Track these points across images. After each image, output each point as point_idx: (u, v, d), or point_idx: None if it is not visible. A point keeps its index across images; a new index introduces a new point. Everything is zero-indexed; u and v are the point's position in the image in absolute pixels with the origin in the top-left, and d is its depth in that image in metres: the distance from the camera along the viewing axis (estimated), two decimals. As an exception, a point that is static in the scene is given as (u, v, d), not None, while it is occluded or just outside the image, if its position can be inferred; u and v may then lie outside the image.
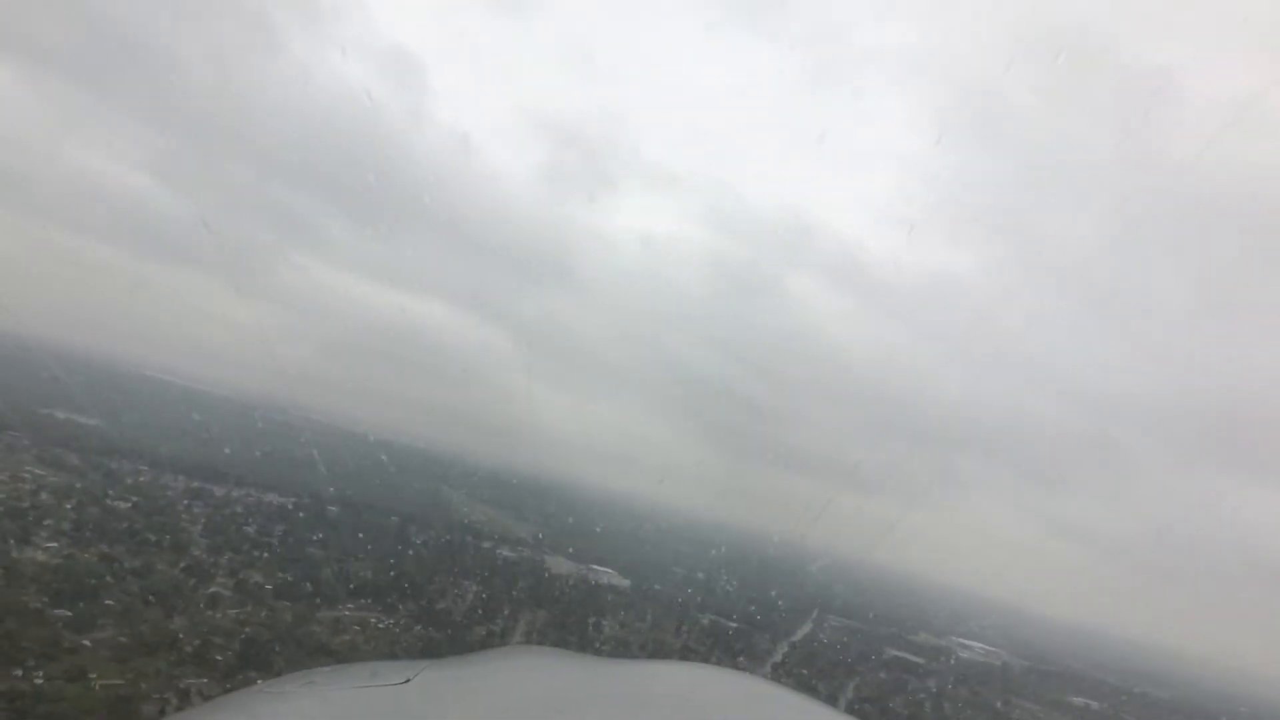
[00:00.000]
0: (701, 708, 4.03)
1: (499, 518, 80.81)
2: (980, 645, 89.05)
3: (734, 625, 65.51)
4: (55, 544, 38.96)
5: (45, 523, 41.41)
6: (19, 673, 26.68)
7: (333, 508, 63.32)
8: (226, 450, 73.32)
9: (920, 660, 74.17)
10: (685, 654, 53.01)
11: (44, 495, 45.70)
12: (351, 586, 47.15)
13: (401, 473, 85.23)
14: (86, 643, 30.39)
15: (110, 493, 49.97)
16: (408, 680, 3.58)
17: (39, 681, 26.56)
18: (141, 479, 56.11)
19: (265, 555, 48.24)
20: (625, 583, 69.99)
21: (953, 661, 78.33)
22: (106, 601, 34.19)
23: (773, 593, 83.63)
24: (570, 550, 75.30)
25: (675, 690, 4.28)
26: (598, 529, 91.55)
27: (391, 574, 52.42)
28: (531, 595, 57.54)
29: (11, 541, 37.43)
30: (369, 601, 46.16)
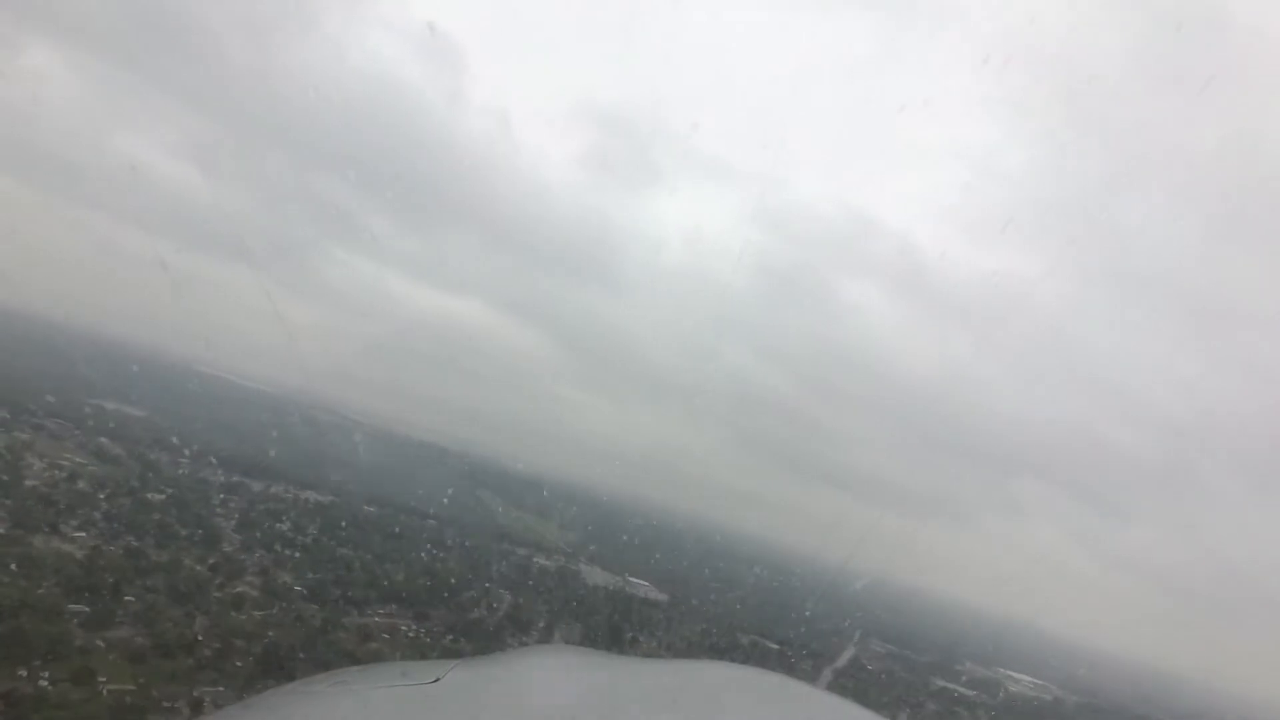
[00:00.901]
0: (730, 707, 3.89)
1: (536, 524, 78.32)
2: (1029, 678, 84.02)
3: (775, 647, 61.90)
4: (83, 534, 37.23)
5: (77, 512, 39.77)
6: (24, 673, 24.56)
7: (369, 508, 61.39)
8: (268, 446, 72.03)
9: (970, 693, 69.84)
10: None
11: (80, 484, 44.22)
12: (383, 591, 44.84)
13: (440, 474, 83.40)
14: (100, 642, 28.29)
15: (147, 484, 48.48)
16: (438, 679, 3.50)
17: (43, 683, 24.41)
18: (181, 471, 54.68)
19: (297, 554, 46.21)
20: (662, 597, 66.96)
21: (1002, 695, 73.89)
22: (127, 598, 32.14)
23: (812, 613, 79.80)
24: (607, 560, 72.55)
25: (703, 689, 4.15)
26: (634, 539, 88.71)
27: (425, 579, 50.12)
28: (566, 606, 54.81)
29: (38, 530, 35.73)
30: (399, 607, 43.76)
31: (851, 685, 57.31)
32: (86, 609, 29.92)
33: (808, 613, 78.36)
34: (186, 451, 58.77)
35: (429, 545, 57.89)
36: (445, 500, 71.46)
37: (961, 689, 70.12)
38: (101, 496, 43.10)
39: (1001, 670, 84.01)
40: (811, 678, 57.52)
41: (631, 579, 67.81)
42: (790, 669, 57.24)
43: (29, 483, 41.25)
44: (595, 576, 64.59)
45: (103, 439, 55.21)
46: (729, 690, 4.19)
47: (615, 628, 52.99)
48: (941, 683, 70.26)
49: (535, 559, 63.90)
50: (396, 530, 58.23)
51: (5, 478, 40.65)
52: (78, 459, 48.73)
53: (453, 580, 51.86)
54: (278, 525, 49.99)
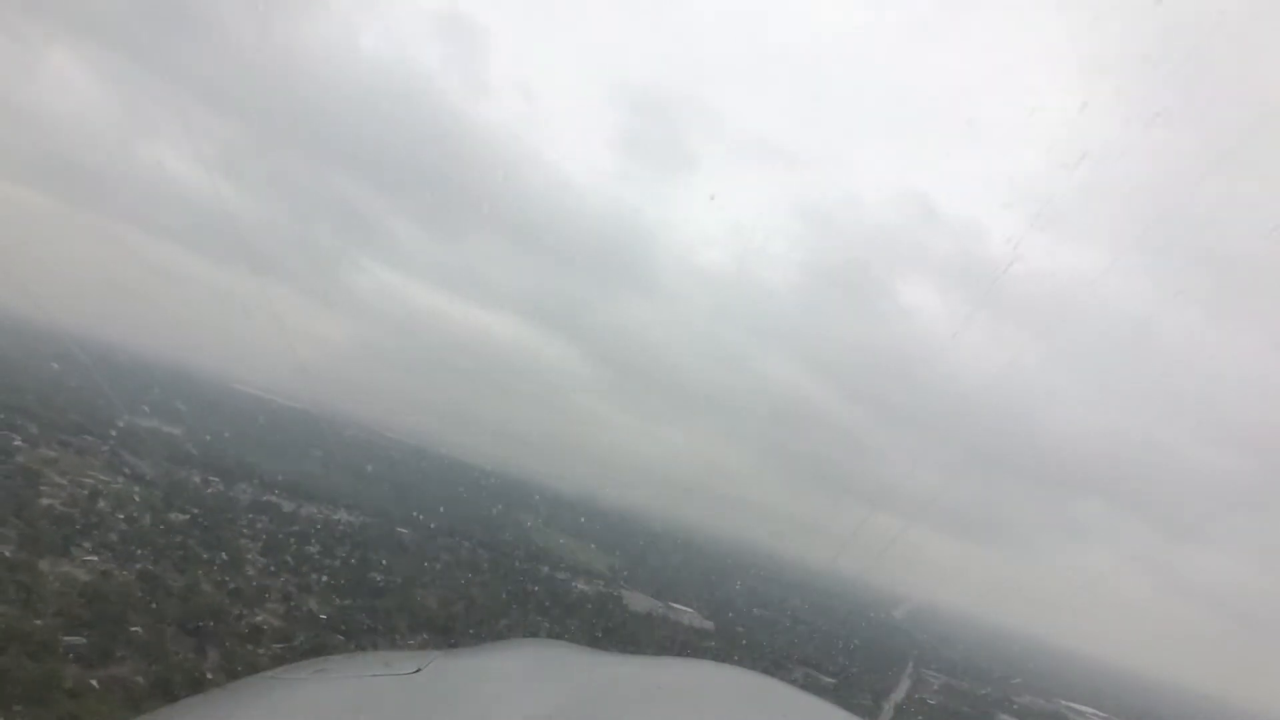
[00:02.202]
0: (708, 703, 3.78)
1: (574, 546, 73.89)
2: (1092, 710, 77.37)
3: (829, 680, 56.52)
4: (95, 557, 33.66)
5: (92, 533, 36.31)
6: (-2, 721, 20.75)
7: (403, 530, 57.57)
8: (301, 465, 68.99)
9: (1035, 729, 63.76)
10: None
11: (101, 503, 40.85)
12: (415, 618, 40.73)
13: (475, 494, 79.62)
14: (94, 682, 24.39)
15: (172, 503, 45.10)
16: (419, 669, 3.36)
17: (18, 735, 20.56)
18: (209, 490, 51.46)
19: (325, 579, 42.28)
20: (708, 624, 62.04)
21: (1069, 731, 67.72)
22: (133, 628, 28.30)
23: (860, 641, 74.38)
24: (648, 585, 68.08)
25: (682, 685, 4.00)
26: (674, 562, 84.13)
27: (460, 605, 45.98)
28: (609, 635, 50.15)
29: (46, 552, 32.22)
30: (431, 636, 39.48)
31: (916, 723, 51.88)
32: (84, 641, 26.13)
33: (856, 641, 72.90)
34: (217, 470, 55.71)
35: (466, 569, 53.91)
36: (481, 521, 67.67)
37: (1027, 726, 64.20)
38: (121, 516, 39.70)
39: (1063, 702, 77.82)
40: (872, 713, 52.20)
41: (674, 605, 63.13)
42: (849, 705, 51.98)
43: (45, 501, 37.95)
44: (637, 602, 59.95)
45: (132, 456, 52.19)
46: (707, 686, 4.06)
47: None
48: (1005, 717, 64.39)
49: (575, 583, 59.50)
50: (432, 553, 54.38)
51: (21, 496, 37.41)
52: (102, 477, 45.55)
53: (490, 607, 47.70)
54: (306, 547, 46.28)
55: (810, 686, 53.86)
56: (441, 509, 65.53)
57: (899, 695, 60.90)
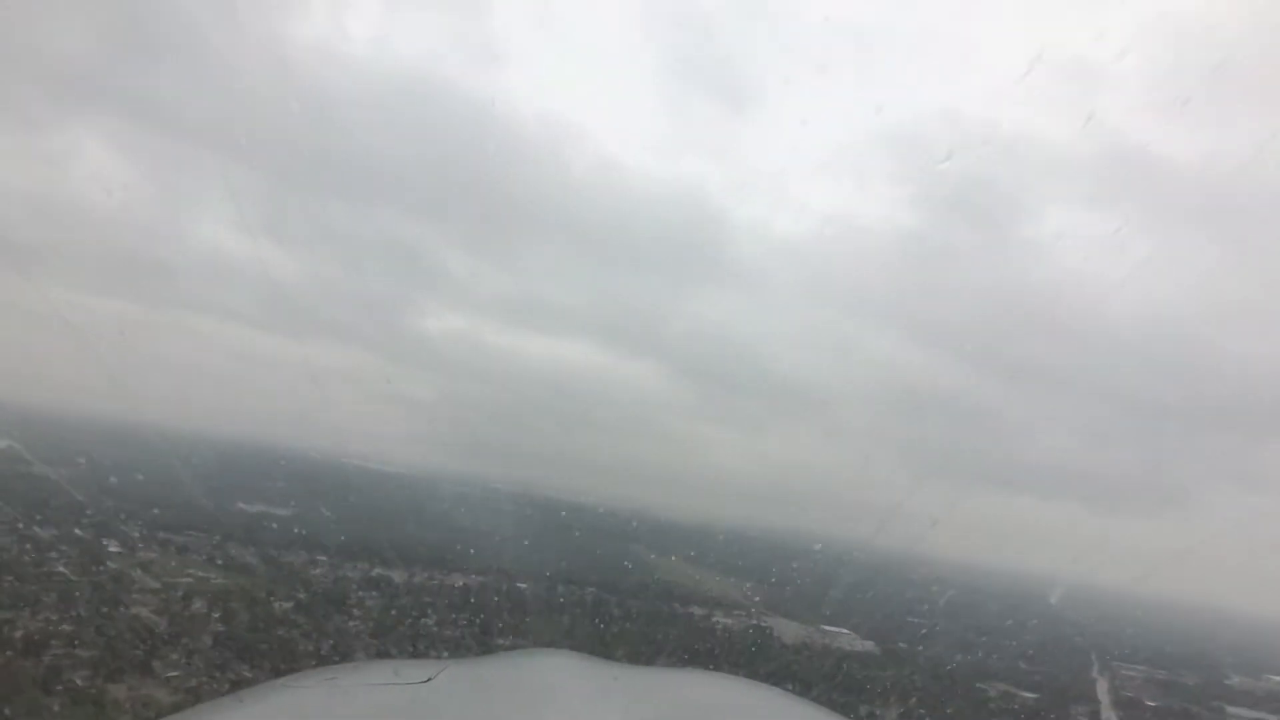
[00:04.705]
0: (716, 714, 3.73)
1: (701, 577, 65.07)
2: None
3: (1030, 695, 45.80)
4: (178, 673, 27.25)
5: (180, 642, 30.14)
6: None
7: (522, 584, 50.22)
8: (410, 530, 63.11)
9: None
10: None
11: (195, 604, 34.92)
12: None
13: (588, 535, 71.94)
14: None
15: (276, 591, 39.02)
16: (429, 679, 3.33)
17: None
18: (316, 571, 45.41)
19: (445, 655, 35.02)
20: (867, 645, 52.20)
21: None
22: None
23: (1030, 638, 62.60)
24: (790, 609, 58.64)
25: (691, 698, 3.98)
26: (807, 579, 74.20)
27: (597, 664, 37.94)
28: (768, 673, 41.24)
29: (122, 675, 25.94)
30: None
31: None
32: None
33: (1027, 637, 61.35)
34: (324, 548, 49.88)
35: (594, 618, 46.16)
36: (599, 562, 59.99)
37: (1269, 716, 51.75)
38: (217, 616, 33.54)
39: (1276, 679, 64.03)
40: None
41: (826, 628, 53.49)
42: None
43: (133, 611, 32.10)
44: (786, 630, 50.79)
45: (237, 546, 46.90)
46: (716, 700, 3.92)
47: (835, 696, 38.95)
48: (1235, 710, 51.92)
49: (714, 618, 50.80)
50: (555, 606, 46.89)
51: (105, 610, 31.66)
52: (201, 573, 39.92)
53: (634, 658, 39.55)
54: (422, 620, 39.33)
55: (1010, 705, 43.38)
56: (558, 555, 58.12)
57: (1106, 697, 49.66)
